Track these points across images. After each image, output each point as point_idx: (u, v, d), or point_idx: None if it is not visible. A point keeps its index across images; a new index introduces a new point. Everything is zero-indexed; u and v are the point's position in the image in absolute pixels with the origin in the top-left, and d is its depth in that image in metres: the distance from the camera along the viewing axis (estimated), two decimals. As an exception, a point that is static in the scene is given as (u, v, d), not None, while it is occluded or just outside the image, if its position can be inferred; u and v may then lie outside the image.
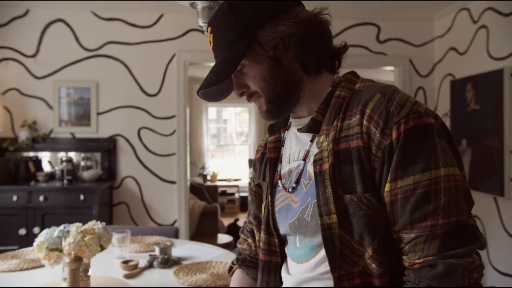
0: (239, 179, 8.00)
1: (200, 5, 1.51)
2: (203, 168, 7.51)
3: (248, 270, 1.06)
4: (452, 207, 0.70)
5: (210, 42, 0.88)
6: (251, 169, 6.90)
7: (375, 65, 3.95)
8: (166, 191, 3.64)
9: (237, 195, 7.55)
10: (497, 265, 3.06)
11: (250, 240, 1.09)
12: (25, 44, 3.50)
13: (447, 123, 3.65)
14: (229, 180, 7.88)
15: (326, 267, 0.81)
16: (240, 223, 5.23)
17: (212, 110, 8.12)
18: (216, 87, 0.90)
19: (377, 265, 0.75)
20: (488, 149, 3.07)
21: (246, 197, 7.40)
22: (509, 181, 2.87)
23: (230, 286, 1.09)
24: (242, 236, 1.13)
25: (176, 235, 2.41)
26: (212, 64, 0.91)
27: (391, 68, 3.98)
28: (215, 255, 1.96)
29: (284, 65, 0.84)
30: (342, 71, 0.92)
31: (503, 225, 2.98)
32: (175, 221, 3.63)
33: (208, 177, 7.50)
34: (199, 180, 6.80)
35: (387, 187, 0.74)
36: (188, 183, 3.83)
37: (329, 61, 0.88)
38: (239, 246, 1.12)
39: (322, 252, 0.81)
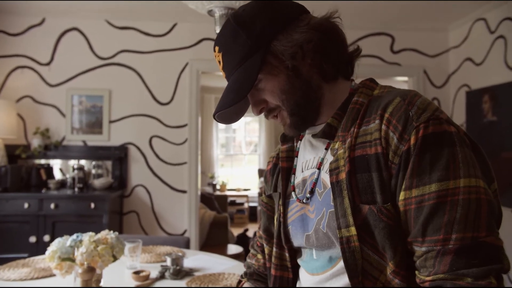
0: (248, 189, 7.94)
1: (218, 12, 1.49)
2: (212, 177, 7.48)
3: (256, 284, 1.03)
4: (469, 221, 0.64)
5: (219, 62, 0.84)
6: (261, 179, 6.90)
7: (388, 75, 3.91)
8: (176, 200, 3.61)
9: (246, 205, 7.49)
10: (516, 281, 2.97)
11: (259, 256, 1.05)
12: (40, 52, 3.53)
13: (463, 134, 3.59)
14: (238, 190, 7.83)
15: (341, 280, 0.77)
16: (250, 233, 5.16)
17: (221, 120, 8.12)
18: (232, 108, 0.84)
19: (400, 280, 0.70)
20: (506, 162, 3.00)
21: (255, 207, 7.33)
22: (529, 195, 2.79)
23: None
24: (252, 251, 1.10)
25: (187, 245, 2.37)
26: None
27: (405, 78, 3.94)
28: (227, 267, 1.92)
29: (303, 73, 0.80)
30: (356, 81, 0.89)
31: (522, 240, 2.89)
32: (185, 231, 3.59)
33: (218, 187, 7.46)
34: (209, 189, 6.77)
35: (401, 195, 0.70)
36: (199, 193, 3.80)
37: (345, 66, 0.85)
38: (248, 260, 1.09)
39: (341, 264, 0.77)
